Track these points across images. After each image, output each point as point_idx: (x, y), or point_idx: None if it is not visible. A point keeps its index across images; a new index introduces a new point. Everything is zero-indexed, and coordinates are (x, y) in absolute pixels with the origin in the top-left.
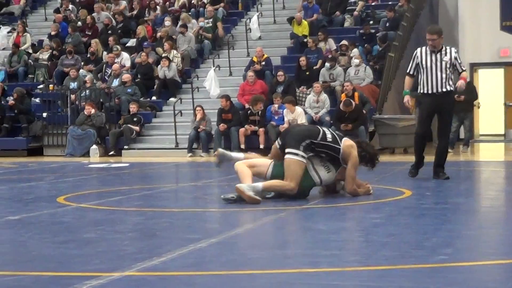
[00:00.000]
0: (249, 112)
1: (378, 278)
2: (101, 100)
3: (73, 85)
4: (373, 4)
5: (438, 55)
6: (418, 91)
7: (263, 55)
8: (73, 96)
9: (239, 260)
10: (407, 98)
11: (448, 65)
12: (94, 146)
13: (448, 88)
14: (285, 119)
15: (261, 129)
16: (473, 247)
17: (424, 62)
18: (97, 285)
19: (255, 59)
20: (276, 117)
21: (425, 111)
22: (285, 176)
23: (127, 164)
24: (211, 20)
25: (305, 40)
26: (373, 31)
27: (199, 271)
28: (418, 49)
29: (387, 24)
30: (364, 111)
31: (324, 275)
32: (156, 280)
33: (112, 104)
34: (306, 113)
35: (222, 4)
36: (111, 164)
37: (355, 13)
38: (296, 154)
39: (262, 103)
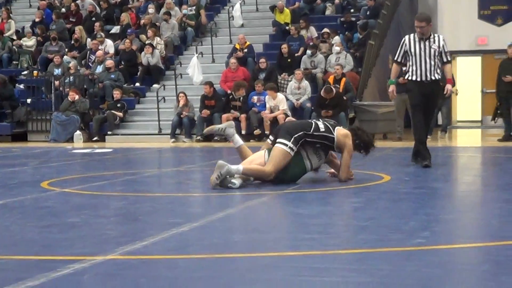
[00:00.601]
0: (231, 97)
1: (358, 261)
2: (85, 86)
3: (57, 71)
4: None
5: (427, 43)
6: (406, 78)
7: (246, 42)
8: (57, 82)
9: (221, 244)
10: (392, 88)
11: (436, 53)
12: (78, 132)
13: (436, 76)
14: (267, 105)
15: (243, 115)
16: (450, 231)
17: (412, 50)
18: (80, 269)
19: (237, 46)
20: (258, 104)
21: (416, 98)
22: (268, 160)
23: (110, 150)
24: (194, 7)
25: (287, 27)
26: (353, 19)
27: (182, 255)
28: (406, 36)
29: (368, 13)
30: (344, 98)
31: (304, 258)
32: (139, 264)
33: (95, 90)
34: (287, 99)
35: None
36: (94, 150)
37: (336, 1)
38: (286, 145)
39: (244, 89)
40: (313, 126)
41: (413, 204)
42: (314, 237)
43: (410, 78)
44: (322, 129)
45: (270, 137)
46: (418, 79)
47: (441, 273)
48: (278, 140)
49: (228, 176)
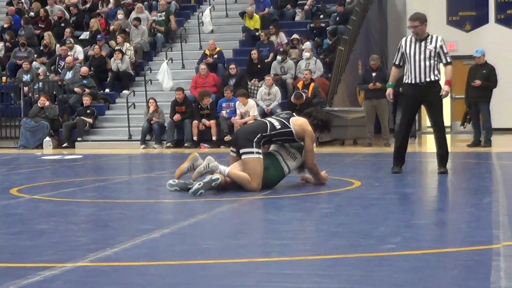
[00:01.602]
0: (199, 106)
1: (328, 267)
2: (54, 92)
3: (26, 77)
4: None
5: (423, 43)
6: (403, 81)
7: (216, 48)
8: (26, 89)
9: (192, 250)
10: (389, 91)
11: (432, 54)
12: (48, 138)
13: (433, 77)
14: (237, 111)
15: (213, 121)
16: (420, 236)
17: (408, 51)
18: (50, 276)
19: (207, 52)
20: (228, 110)
21: (407, 102)
22: (248, 173)
23: (80, 156)
24: (163, 13)
25: (257, 33)
26: (323, 25)
27: (152, 261)
28: (403, 38)
29: (337, 19)
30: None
31: (275, 264)
32: (110, 271)
33: (65, 96)
34: (257, 105)
35: None
36: (64, 156)
37: (306, 7)
38: (251, 152)
39: (209, 97)
40: (268, 126)
41: (384, 210)
42: (285, 243)
43: (405, 80)
44: (278, 127)
45: (231, 148)
46: (413, 81)
47: (412, 279)
48: (242, 151)
49: (210, 172)
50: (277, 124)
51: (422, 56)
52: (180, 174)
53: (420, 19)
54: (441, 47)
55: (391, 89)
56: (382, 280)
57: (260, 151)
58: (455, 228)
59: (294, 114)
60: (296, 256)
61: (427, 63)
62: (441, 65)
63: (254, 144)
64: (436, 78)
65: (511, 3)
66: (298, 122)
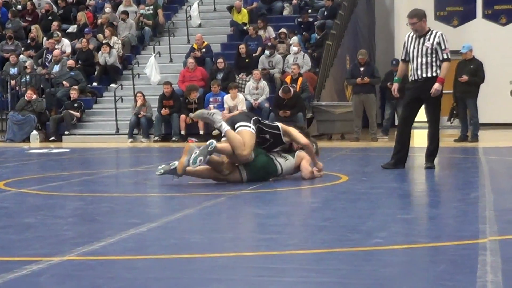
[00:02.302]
0: (187, 100)
1: (316, 261)
2: (41, 86)
3: (13, 70)
4: None
5: (421, 40)
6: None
7: (203, 42)
8: (13, 82)
9: (179, 244)
10: (394, 86)
11: (429, 50)
12: (35, 132)
13: (429, 74)
14: (225, 105)
15: None
16: (407, 231)
17: (409, 48)
18: (37, 270)
19: (195, 46)
20: (215, 104)
21: (405, 98)
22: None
23: (67, 150)
24: (151, 7)
25: (245, 27)
26: (311, 19)
27: (140, 255)
28: (407, 34)
29: (325, 13)
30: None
31: (262, 259)
32: (96, 264)
33: (53, 89)
34: (246, 99)
35: None
36: (51, 150)
37: (294, 1)
38: (248, 126)
39: (196, 92)
40: (260, 118)
41: (371, 204)
42: (273, 237)
43: (409, 77)
44: (267, 121)
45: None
46: (412, 78)
47: (399, 273)
48: (238, 124)
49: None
50: (267, 120)
51: (420, 53)
52: (182, 168)
53: (418, 15)
54: (438, 43)
55: (397, 84)
56: (369, 275)
57: (255, 129)
58: (442, 223)
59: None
60: (283, 250)
61: (424, 59)
62: None
63: (252, 121)
64: (434, 74)
65: None
66: (284, 125)
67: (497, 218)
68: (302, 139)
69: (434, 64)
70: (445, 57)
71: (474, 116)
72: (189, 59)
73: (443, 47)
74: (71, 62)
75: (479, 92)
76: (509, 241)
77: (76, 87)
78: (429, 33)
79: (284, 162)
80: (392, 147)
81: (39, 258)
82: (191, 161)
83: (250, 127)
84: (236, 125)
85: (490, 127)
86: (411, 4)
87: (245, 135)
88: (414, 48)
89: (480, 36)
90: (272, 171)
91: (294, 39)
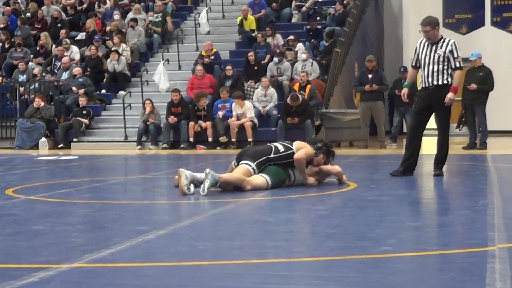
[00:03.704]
0: (196, 107)
1: (324, 269)
2: (50, 93)
3: (22, 78)
4: (320, 0)
5: (434, 47)
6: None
7: (212, 49)
8: (22, 89)
9: (188, 252)
10: (404, 91)
11: (441, 58)
12: (43, 139)
13: (441, 81)
14: (234, 113)
15: (209, 123)
16: (415, 238)
17: (420, 54)
18: (46, 277)
19: (204, 53)
20: (224, 111)
21: (416, 105)
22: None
23: (76, 157)
24: (160, 14)
25: (253, 34)
26: (319, 27)
27: (148, 263)
28: (419, 41)
29: (335, 19)
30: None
31: (270, 266)
32: (105, 272)
33: (61, 97)
34: (254, 107)
35: None
36: (60, 157)
37: (303, 9)
38: (249, 165)
39: (205, 98)
40: (273, 150)
41: (379, 212)
42: (281, 245)
43: (420, 83)
44: (282, 150)
45: (234, 161)
46: (423, 85)
47: (408, 281)
48: (242, 161)
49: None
50: (280, 148)
51: (431, 60)
52: (183, 191)
53: (431, 23)
54: (450, 51)
55: (407, 89)
56: (377, 282)
57: (257, 170)
58: (450, 230)
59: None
60: (291, 257)
61: (436, 67)
62: None
63: (255, 162)
64: (445, 82)
65: (507, 6)
66: (300, 144)
67: (506, 225)
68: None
69: (445, 72)
70: (458, 65)
71: (482, 124)
72: (198, 67)
73: (455, 55)
74: (77, 70)
75: (487, 99)
76: None
77: (82, 90)
78: (442, 40)
79: (294, 169)
80: (401, 154)
81: (48, 265)
82: (205, 188)
83: (251, 166)
84: (241, 162)
85: (499, 135)
86: (420, 12)
87: (239, 170)
88: (426, 55)
89: (488, 44)
90: (283, 178)
91: (299, 46)
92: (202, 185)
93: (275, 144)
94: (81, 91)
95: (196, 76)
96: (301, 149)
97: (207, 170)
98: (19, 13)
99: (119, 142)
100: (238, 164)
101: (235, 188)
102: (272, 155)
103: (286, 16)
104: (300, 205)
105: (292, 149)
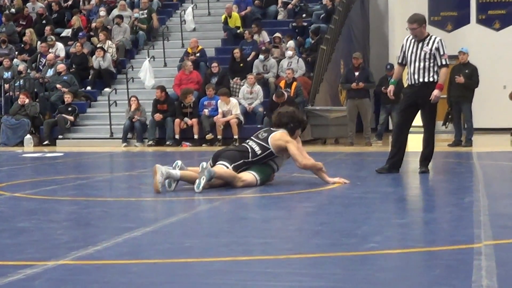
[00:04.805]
0: (182, 104)
1: (311, 266)
2: (35, 90)
3: (7, 74)
4: None
5: (420, 44)
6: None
7: (198, 46)
8: (7, 86)
9: (174, 249)
10: (390, 88)
11: (427, 55)
12: (28, 136)
13: (427, 79)
14: (219, 110)
15: (194, 120)
16: (402, 235)
17: (407, 51)
18: (32, 274)
19: (189, 50)
20: (209, 108)
21: (401, 102)
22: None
23: (61, 154)
24: (146, 11)
25: (238, 31)
26: (305, 24)
27: (135, 260)
28: (405, 38)
29: (322, 16)
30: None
31: (257, 263)
32: (92, 269)
33: (46, 93)
34: (240, 104)
35: None
36: (45, 154)
37: (289, 6)
38: (227, 167)
39: (192, 95)
40: (250, 152)
41: (365, 209)
42: (267, 242)
43: (406, 80)
44: (259, 152)
45: (210, 162)
46: (409, 82)
47: (394, 278)
48: (219, 162)
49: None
50: (257, 149)
51: (417, 57)
52: (157, 188)
53: (418, 21)
54: (437, 49)
55: (393, 86)
56: (364, 279)
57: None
58: (436, 228)
59: (272, 129)
60: (278, 255)
61: (422, 64)
62: None
63: (232, 165)
64: (431, 79)
65: (492, 4)
66: (276, 137)
67: (491, 222)
68: (299, 163)
69: (431, 69)
70: (444, 62)
71: (468, 121)
72: (187, 62)
73: (441, 53)
74: (61, 67)
75: (473, 96)
76: (504, 245)
77: (66, 89)
78: (428, 38)
79: (278, 160)
80: (387, 151)
81: (34, 263)
82: (200, 185)
83: (227, 167)
84: (218, 162)
85: (484, 132)
86: (405, 9)
87: (218, 170)
88: (412, 52)
89: (474, 41)
90: (269, 172)
91: (290, 43)
92: (197, 181)
93: (250, 144)
94: (65, 89)
95: (184, 72)
96: (279, 143)
97: (204, 164)
98: (4, 10)
99: (105, 139)
100: (214, 165)
101: (224, 184)
102: (249, 159)
103: (272, 13)
104: (286, 202)
105: (268, 148)
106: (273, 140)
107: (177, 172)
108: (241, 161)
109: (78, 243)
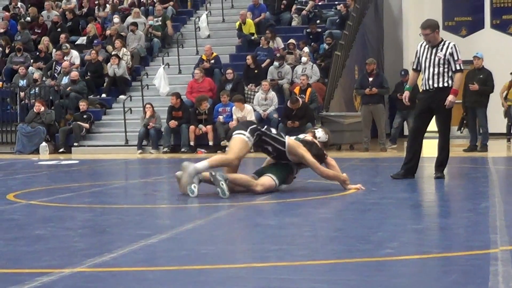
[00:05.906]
0: (197, 111)
1: (326, 272)
2: (50, 97)
3: (22, 82)
4: (320, 3)
5: (434, 50)
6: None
7: (212, 53)
8: (22, 94)
9: (190, 256)
10: (405, 94)
11: (441, 61)
12: (44, 144)
13: (441, 84)
14: (234, 116)
15: (209, 127)
16: (417, 241)
17: (421, 57)
18: (48, 282)
19: (204, 57)
20: (224, 115)
21: (417, 107)
22: (228, 150)
23: (77, 161)
24: (160, 18)
25: (252, 37)
26: (319, 30)
27: (150, 267)
28: (419, 44)
29: (337, 20)
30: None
31: (273, 270)
32: (107, 276)
33: (62, 101)
34: (254, 110)
35: (171, 3)
36: (61, 161)
37: (304, 12)
38: (243, 134)
39: (206, 102)
40: (265, 127)
41: (381, 215)
42: (283, 248)
43: (420, 86)
44: (274, 132)
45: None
46: (424, 87)
47: (410, 283)
48: (235, 133)
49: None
50: (273, 130)
51: (431, 63)
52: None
53: (431, 26)
54: (451, 54)
55: (408, 92)
56: (380, 285)
57: (251, 138)
58: (452, 233)
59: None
60: (294, 261)
61: (436, 69)
62: None
63: (248, 129)
64: (445, 85)
65: (506, 9)
66: (292, 141)
67: (508, 227)
68: (319, 172)
69: (446, 74)
70: (458, 68)
71: (483, 126)
72: (196, 70)
73: (455, 58)
74: (74, 74)
75: (488, 101)
76: None
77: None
78: (442, 43)
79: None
80: (402, 157)
81: (50, 270)
82: (225, 190)
83: (244, 134)
84: (234, 134)
85: (500, 137)
86: (419, 15)
87: (234, 142)
88: (426, 58)
89: (488, 46)
90: (286, 171)
91: (305, 49)
92: (220, 190)
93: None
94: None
95: (195, 80)
96: (295, 145)
97: (212, 172)
98: (19, 18)
99: (120, 146)
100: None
101: (246, 190)
102: (263, 129)
103: (286, 19)
104: (302, 209)
105: (284, 139)
106: (289, 140)
107: (204, 163)
108: (254, 125)
109: (94, 251)
